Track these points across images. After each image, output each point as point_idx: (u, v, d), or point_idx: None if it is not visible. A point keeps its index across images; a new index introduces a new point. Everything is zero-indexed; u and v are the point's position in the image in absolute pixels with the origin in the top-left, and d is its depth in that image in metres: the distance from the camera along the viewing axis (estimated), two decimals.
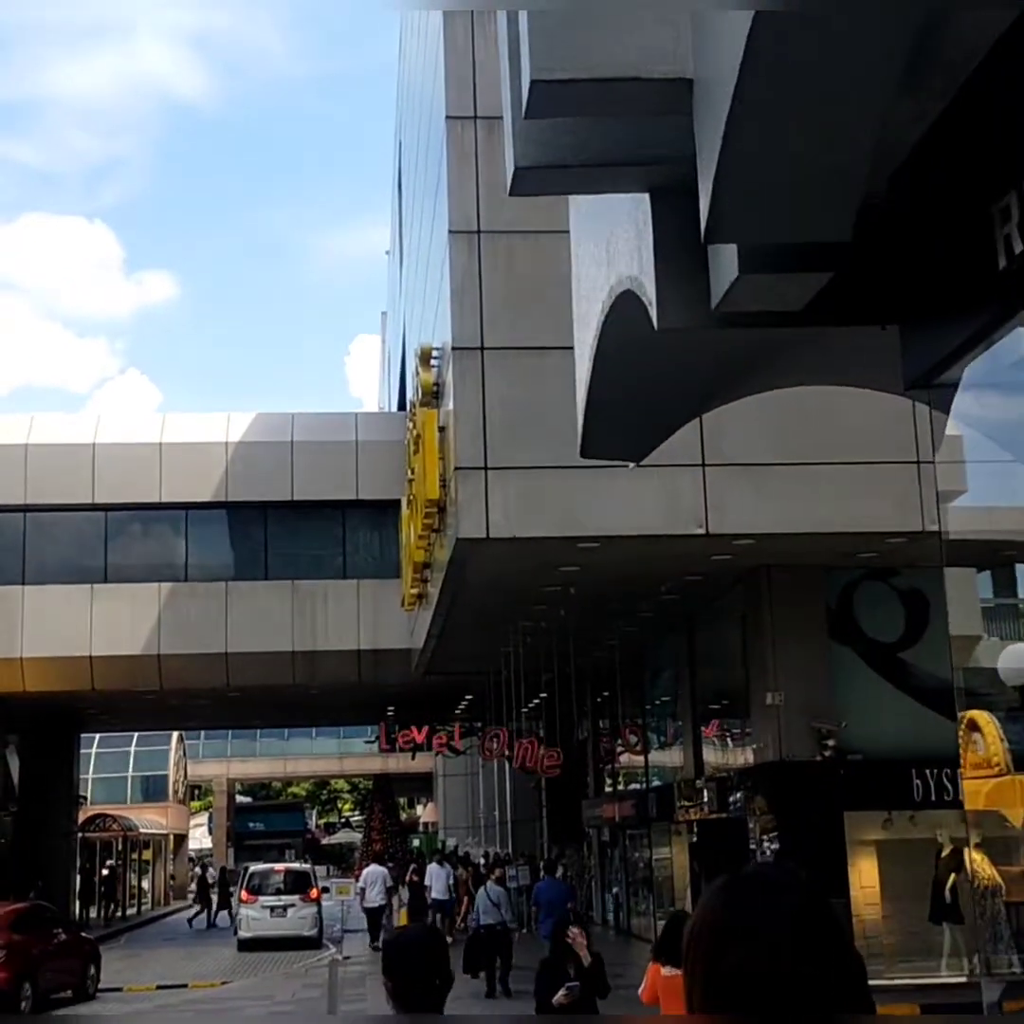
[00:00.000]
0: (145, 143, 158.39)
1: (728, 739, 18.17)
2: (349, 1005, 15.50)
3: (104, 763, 43.31)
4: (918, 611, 15.92)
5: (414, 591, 19.86)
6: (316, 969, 15.78)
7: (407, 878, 27.33)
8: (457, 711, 30.49)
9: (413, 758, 31.79)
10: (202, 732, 56.13)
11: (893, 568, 15.83)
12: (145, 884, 40.27)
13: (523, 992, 15.05)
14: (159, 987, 19.44)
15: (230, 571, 24.45)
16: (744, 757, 16.67)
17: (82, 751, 37.56)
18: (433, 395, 15.64)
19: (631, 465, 6.90)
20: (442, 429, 15.02)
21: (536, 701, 26.99)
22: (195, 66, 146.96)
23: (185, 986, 19.41)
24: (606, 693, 25.00)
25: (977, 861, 15.79)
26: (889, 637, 15.86)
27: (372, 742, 32.61)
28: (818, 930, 1.57)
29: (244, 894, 26.15)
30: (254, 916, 25.27)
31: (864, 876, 15.71)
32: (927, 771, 14.98)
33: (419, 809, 69.29)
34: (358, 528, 25.19)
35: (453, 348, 13.58)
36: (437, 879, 24.97)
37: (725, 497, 13.48)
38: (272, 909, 25.26)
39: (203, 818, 67.85)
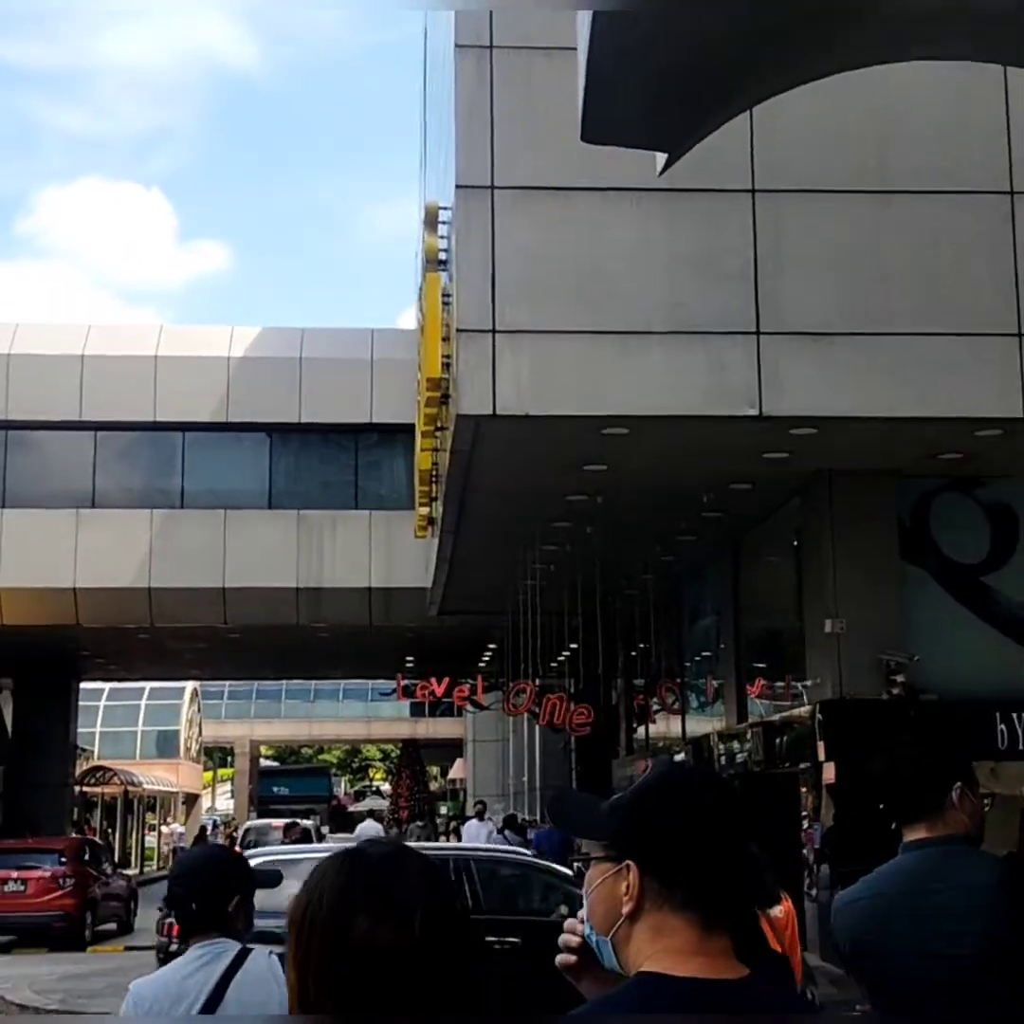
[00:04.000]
0: (195, 112, 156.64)
1: (778, 680, 15.85)
2: None
3: (112, 716, 41.57)
4: (1006, 529, 13.55)
5: (424, 511, 17.65)
6: None
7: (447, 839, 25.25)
8: (481, 663, 28.41)
9: (433, 714, 29.73)
10: (226, 691, 54.43)
11: (977, 478, 13.45)
12: (150, 842, 38.42)
13: None
14: (127, 948, 17.49)
15: (229, 498, 22.36)
16: (796, 698, 14.36)
17: (90, 703, 35.93)
18: (439, 262, 13.36)
19: (661, 160, 4.57)
20: (447, 298, 12.74)
21: (566, 654, 24.85)
22: (245, 36, 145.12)
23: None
24: (642, 644, 22.72)
25: None
26: (971, 558, 13.44)
27: (389, 695, 30.55)
28: (441, 903, 1.65)
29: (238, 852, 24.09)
30: None
31: None
32: (1014, 714, 12.68)
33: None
34: (372, 454, 23.08)
35: (457, 187, 11.27)
36: (476, 837, 22.25)
37: (783, 372, 11.08)
38: None
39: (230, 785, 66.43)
